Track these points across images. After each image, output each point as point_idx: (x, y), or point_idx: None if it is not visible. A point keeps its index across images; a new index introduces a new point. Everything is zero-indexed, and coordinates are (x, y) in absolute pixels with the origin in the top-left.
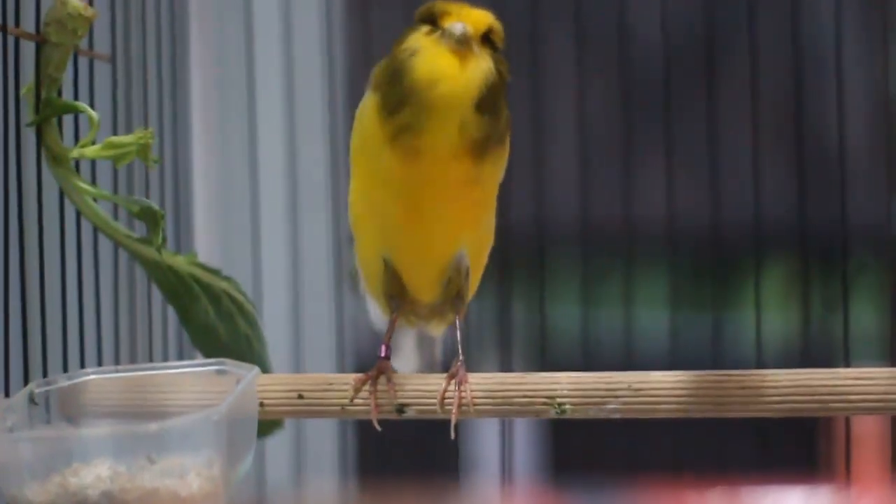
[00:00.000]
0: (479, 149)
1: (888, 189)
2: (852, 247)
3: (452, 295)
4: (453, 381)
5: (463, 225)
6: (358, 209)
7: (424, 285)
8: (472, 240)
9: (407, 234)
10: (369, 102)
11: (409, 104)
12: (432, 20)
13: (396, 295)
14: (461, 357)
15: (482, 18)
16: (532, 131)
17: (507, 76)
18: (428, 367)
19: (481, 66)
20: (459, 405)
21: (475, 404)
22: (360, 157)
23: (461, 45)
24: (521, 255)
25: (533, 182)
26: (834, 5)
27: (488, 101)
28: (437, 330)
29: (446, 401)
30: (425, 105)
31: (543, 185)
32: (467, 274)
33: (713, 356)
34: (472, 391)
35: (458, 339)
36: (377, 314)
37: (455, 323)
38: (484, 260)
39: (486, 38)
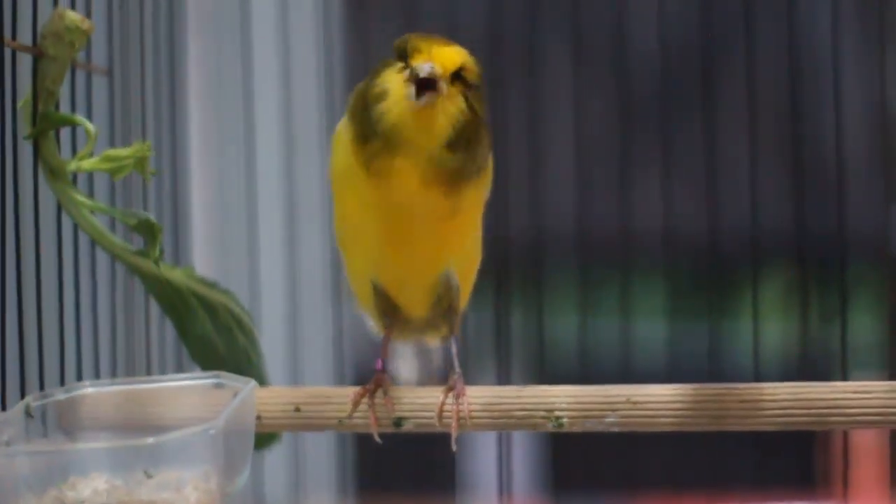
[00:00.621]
0: (452, 182)
1: (886, 199)
2: (850, 257)
3: (444, 310)
4: (451, 395)
5: (445, 248)
6: (342, 232)
7: (414, 303)
8: (458, 259)
9: (390, 257)
10: (345, 130)
11: (379, 140)
12: (405, 55)
13: (389, 312)
14: (458, 370)
15: (453, 57)
16: (529, 142)
17: (482, 112)
18: (428, 375)
19: (449, 108)
20: (458, 418)
21: (472, 417)
22: (338, 182)
23: (427, 87)
24: (518, 266)
25: (530, 193)
26: (831, 14)
27: (459, 139)
28: (432, 341)
29: (444, 414)
30: (394, 143)
31: (541, 196)
32: (457, 290)
33: (711, 367)
34: (469, 404)
35: (454, 352)
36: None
37: (450, 337)
38: (473, 276)
39: (459, 76)
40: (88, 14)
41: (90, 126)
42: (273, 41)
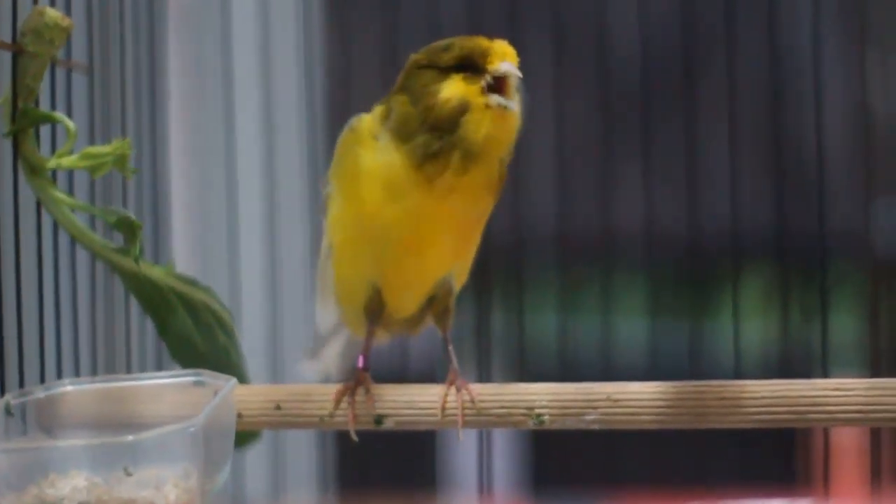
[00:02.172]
0: (499, 185)
1: (866, 198)
2: (831, 256)
3: (439, 311)
4: (452, 389)
5: (458, 254)
6: (346, 235)
7: (407, 305)
8: (462, 262)
9: (402, 263)
10: (388, 144)
11: (455, 152)
12: (469, 63)
13: (375, 311)
14: (455, 366)
15: (511, 50)
16: None
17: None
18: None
19: (517, 114)
20: (463, 409)
21: (469, 409)
22: (354, 186)
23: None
24: (499, 265)
25: (511, 192)
26: (811, 14)
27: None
28: (413, 334)
29: (448, 409)
30: (476, 154)
31: (521, 195)
32: (454, 292)
33: (691, 365)
34: (475, 393)
35: (450, 349)
36: (324, 319)
37: (445, 336)
38: (465, 278)
39: None
40: (68, 11)
41: (70, 123)
42: (253, 38)
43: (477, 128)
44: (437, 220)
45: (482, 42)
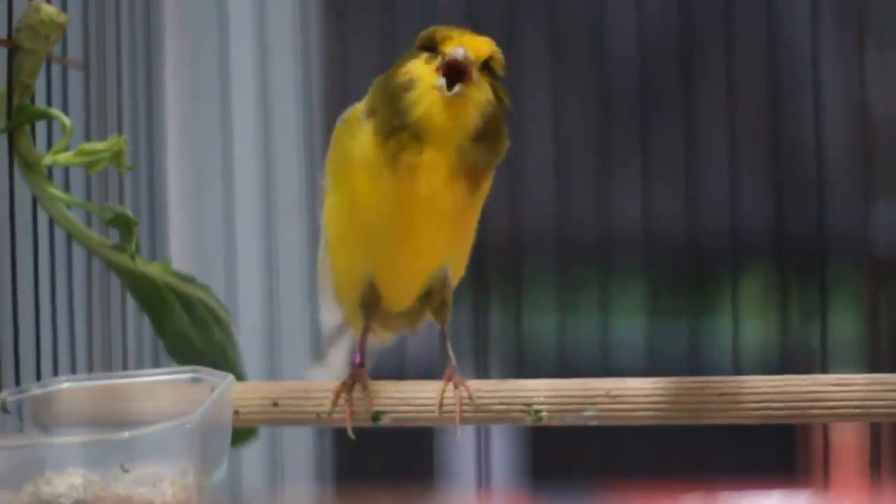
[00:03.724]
0: (476, 176)
1: (865, 197)
2: (829, 254)
3: (435, 305)
4: (449, 385)
5: (451, 245)
6: (340, 227)
7: (403, 297)
8: (457, 254)
9: (395, 254)
10: (364, 122)
11: (408, 131)
12: (432, 46)
13: (371, 305)
14: (453, 361)
15: (483, 45)
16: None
17: (508, 103)
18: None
19: (479, 96)
20: (461, 404)
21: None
22: (344, 175)
23: (457, 76)
24: (497, 263)
25: (509, 191)
26: (810, 13)
27: (487, 130)
28: (413, 331)
29: (446, 405)
30: (422, 134)
31: (520, 193)
32: (450, 284)
33: (690, 364)
34: (471, 389)
35: (448, 345)
36: (329, 316)
37: (443, 330)
38: (462, 272)
39: (487, 66)
40: (64, 7)
41: (66, 120)
42: (250, 34)
43: (420, 105)
44: (409, 204)
45: (449, 30)
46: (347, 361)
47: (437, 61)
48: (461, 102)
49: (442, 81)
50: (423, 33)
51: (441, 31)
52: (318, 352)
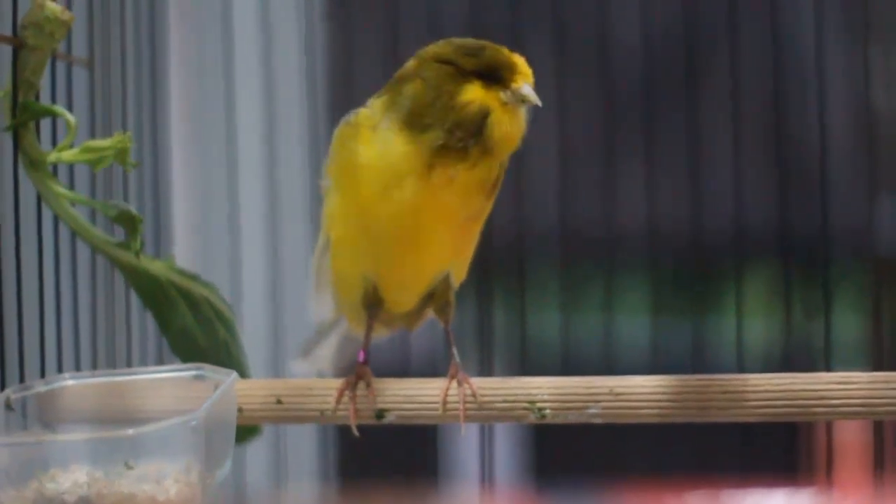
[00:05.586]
0: (497, 183)
1: (869, 194)
2: (833, 253)
3: (439, 305)
4: (453, 383)
5: (457, 252)
6: (342, 229)
7: (405, 301)
8: (459, 261)
9: (399, 259)
10: (389, 133)
11: (474, 148)
12: (492, 74)
13: (373, 305)
14: (457, 359)
15: (530, 70)
16: None
17: None
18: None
19: (524, 119)
20: (465, 402)
21: (471, 403)
22: (350, 179)
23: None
24: (501, 261)
25: (513, 188)
26: (814, 11)
27: None
28: (412, 329)
29: (449, 403)
30: (490, 151)
31: (524, 190)
32: (453, 286)
33: (694, 362)
34: (475, 387)
35: (452, 343)
36: (319, 311)
37: (447, 329)
38: (464, 275)
39: None
40: (69, 5)
41: (70, 117)
42: (254, 31)
43: (499, 126)
44: (431, 214)
45: (509, 57)
46: (335, 357)
47: (507, 97)
48: (522, 114)
49: (512, 97)
50: (484, 61)
51: (501, 58)
52: (305, 347)
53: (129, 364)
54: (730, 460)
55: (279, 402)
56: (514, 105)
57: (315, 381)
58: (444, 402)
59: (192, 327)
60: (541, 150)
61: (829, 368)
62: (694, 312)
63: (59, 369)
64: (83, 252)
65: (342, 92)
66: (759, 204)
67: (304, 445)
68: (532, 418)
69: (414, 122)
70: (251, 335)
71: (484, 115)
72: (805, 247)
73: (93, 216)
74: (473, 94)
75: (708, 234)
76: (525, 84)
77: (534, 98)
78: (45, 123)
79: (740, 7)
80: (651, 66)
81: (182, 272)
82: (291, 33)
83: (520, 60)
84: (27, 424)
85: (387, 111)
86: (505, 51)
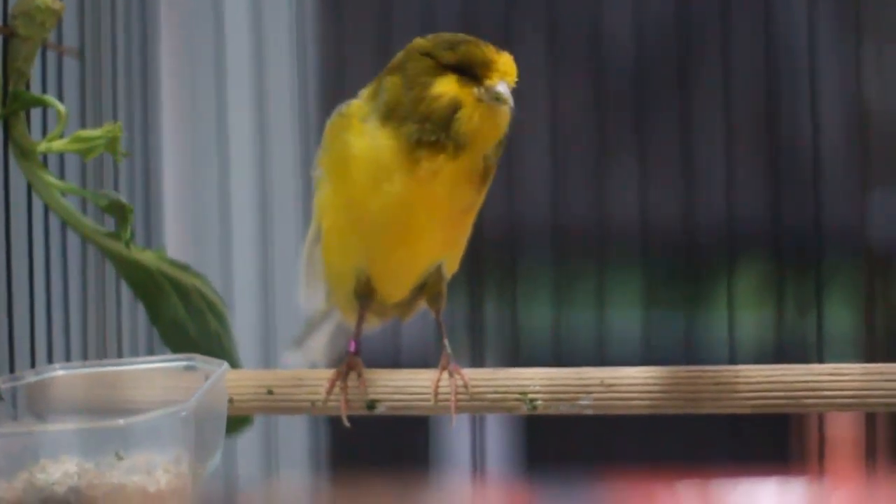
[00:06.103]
0: (488, 176)
1: (862, 189)
2: (826, 247)
3: (431, 295)
4: (444, 374)
5: (449, 244)
6: (334, 220)
7: (396, 292)
8: (452, 253)
9: (391, 251)
10: (375, 127)
11: (451, 142)
12: (469, 69)
13: (365, 296)
14: (448, 350)
15: (513, 68)
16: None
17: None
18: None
19: (507, 112)
20: (457, 393)
21: (463, 393)
22: (343, 170)
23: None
24: (493, 255)
25: (506, 182)
26: (807, 7)
27: (503, 139)
28: (404, 319)
29: (441, 393)
30: (465, 145)
31: (516, 185)
32: (445, 278)
33: (686, 357)
34: (466, 378)
35: (444, 334)
36: (308, 300)
37: (438, 319)
38: (456, 267)
39: None
40: None
41: (61, 107)
42: (246, 22)
43: (468, 122)
44: (420, 206)
45: (489, 53)
46: (328, 348)
47: (480, 93)
48: (501, 113)
49: (488, 95)
50: (460, 55)
51: (480, 53)
52: (296, 337)
53: (119, 354)
54: (721, 452)
55: (270, 392)
56: (488, 102)
57: (306, 372)
58: (436, 393)
59: (182, 318)
60: (533, 143)
61: (821, 362)
62: (686, 306)
63: (50, 360)
64: (73, 242)
65: (334, 83)
66: (752, 199)
67: (295, 436)
68: (524, 409)
69: (391, 115)
70: (242, 326)
71: (454, 110)
72: (797, 241)
73: (83, 206)
74: (445, 87)
75: (700, 228)
76: (501, 82)
77: (507, 97)
78: (36, 113)
79: (733, 3)
80: (644, 62)
81: (173, 262)
82: (283, 23)
83: (502, 58)
84: (17, 415)
85: (372, 101)
86: (487, 47)
